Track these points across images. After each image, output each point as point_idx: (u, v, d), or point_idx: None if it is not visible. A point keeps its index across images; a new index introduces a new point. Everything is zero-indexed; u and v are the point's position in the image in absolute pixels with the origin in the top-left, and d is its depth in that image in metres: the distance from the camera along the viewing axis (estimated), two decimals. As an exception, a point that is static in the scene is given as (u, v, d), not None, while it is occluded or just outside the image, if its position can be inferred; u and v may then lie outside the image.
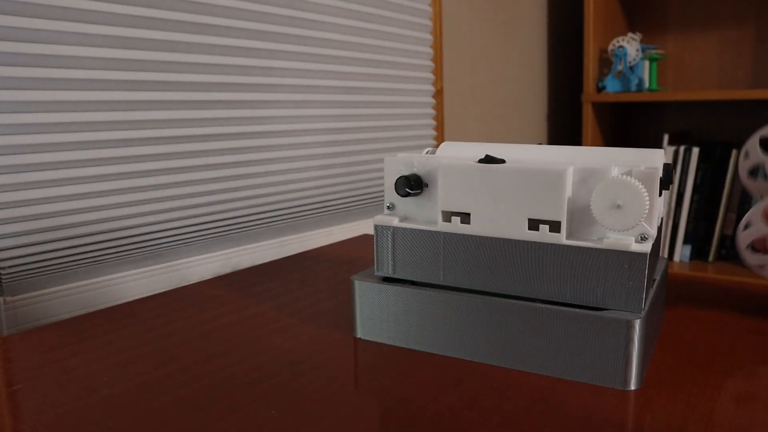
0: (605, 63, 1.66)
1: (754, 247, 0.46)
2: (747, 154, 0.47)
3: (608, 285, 0.38)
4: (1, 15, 0.59)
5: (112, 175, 0.69)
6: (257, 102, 0.84)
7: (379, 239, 0.45)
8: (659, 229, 0.42)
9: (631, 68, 1.60)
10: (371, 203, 1.06)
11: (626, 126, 1.86)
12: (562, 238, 0.38)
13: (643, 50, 1.62)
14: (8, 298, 0.63)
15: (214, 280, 0.63)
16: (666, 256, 1.57)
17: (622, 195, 0.36)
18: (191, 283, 0.62)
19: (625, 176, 0.36)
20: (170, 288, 0.69)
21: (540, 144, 0.45)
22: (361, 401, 0.37)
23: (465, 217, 0.41)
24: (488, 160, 0.40)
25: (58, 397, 0.38)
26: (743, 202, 1.50)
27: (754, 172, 0.47)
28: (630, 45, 1.57)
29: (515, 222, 0.39)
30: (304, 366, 0.42)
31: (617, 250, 0.37)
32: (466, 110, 1.33)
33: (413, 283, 0.44)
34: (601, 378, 0.38)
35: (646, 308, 0.38)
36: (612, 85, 1.60)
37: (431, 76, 1.17)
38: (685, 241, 1.54)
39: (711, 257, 1.53)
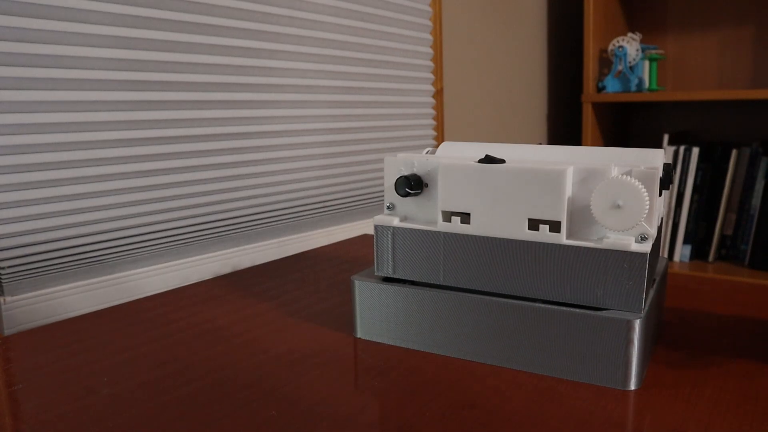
0: (605, 63, 1.66)
1: None
2: None
3: (608, 285, 0.38)
4: (1, 15, 0.59)
5: (112, 175, 0.69)
6: (257, 102, 0.84)
7: (379, 239, 0.45)
8: (659, 229, 0.42)
9: (631, 68, 1.60)
10: (371, 203, 1.06)
11: (626, 126, 1.86)
12: (562, 238, 0.38)
13: (643, 50, 1.62)
14: (8, 298, 0.63)
15: (214, 280, 0.63)
16: (666, 256, 1.57)
17: (622, 195, 0.36)
18: (191, 283, 0.62)
19: (625, 176, 0.36)
20: (169, 288, 0.69)
21: (540, 144, 0.45)
22: (361, 401, 0.37)
23: (465, 217, 0.41)
24: (488, 160, 0.40)
25: (58, 397, 0.38)
26: (743, 202, 1.50)
27: None
28: (630, 45, 1.57)
29: (515, 222, 0.39)
30: (304, 366, 0.42)
31: (617, 250, 0.37)
32: (466, 110, 1.33)
33: (413, 283, 0.44)
34: (601, 378, 0.38)
35: (646, 308, 0.38)
36: (612, 85, 1.60)
37: (431, 76, 1.17)
38: (685, 241, 1.54)
39: (711, 257, 1.53)
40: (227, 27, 0.79)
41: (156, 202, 0.74)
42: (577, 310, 0.38)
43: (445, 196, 0.41)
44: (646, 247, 0.36)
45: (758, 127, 1.66)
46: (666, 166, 0.40)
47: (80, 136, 0.66)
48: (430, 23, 1.15)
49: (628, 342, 0.37)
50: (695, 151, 1.51)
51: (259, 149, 0.85)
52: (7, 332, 0.63)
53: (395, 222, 0.44)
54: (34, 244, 0.64)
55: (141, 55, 0.70)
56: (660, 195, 0.39)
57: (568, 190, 0.38)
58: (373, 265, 0.46)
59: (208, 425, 0.34)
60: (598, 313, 0.37)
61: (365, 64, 1.01)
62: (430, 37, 1.16)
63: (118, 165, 0.69)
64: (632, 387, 0.37)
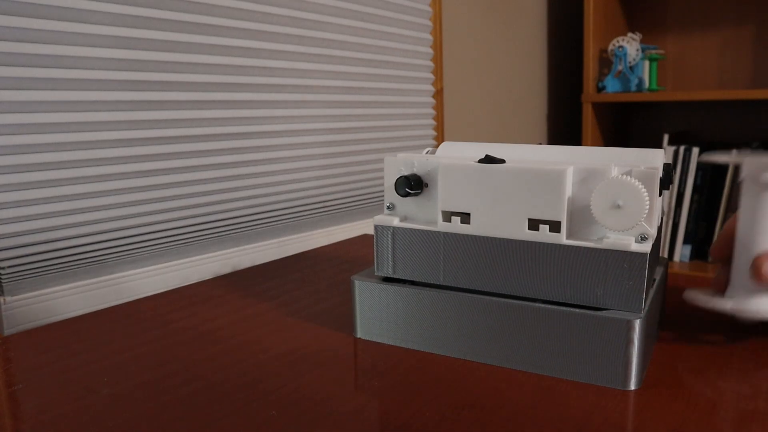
0: (605, 63, 1.66)
1: None
2: None
3: (608, 285, 0.38)
4: (1, 15, 0.59)
5: (112, 175, 0.69)
6: (257, 102, 0.84)
7: (379, 239, 0.45)
8: (659, 229, 0.42)
9: (631, 68, 1.60)
10: (371, 203, 1.06)
11: (626, 126, 1.86)
12: (562, 238, 0.38)
13: (643, 50, 1.62)
14: (8, 298, 0.63)
15: (214, 280, 0.63)
16: (666, 256, 1.57)
17: (622, 195, 0.36)
18: (191, 283, 0.62)
19: (625, 176, 0.36)
20: (170, 288, 0.69)
21: (540, 144, 0.45)
22: (361, 401, 0.37)
23: (465, 217, 0.41)
24: (488, 160, 0.40)
25: (58, 397, 0.38)
26: (743, 202, 1.50)
27: None
28: (630, 45, 1.57)
29: (515, 222, 0.39)
30: (304, 366, 0.42)
31: (617, 250, 0.37)
32: (466, 110, 1.33)
33: (413, 283, 0.44)
34: (601, 378, 0.38)
35: (646, 308, 0.38)
36: (612, 85, 1.60)
37: (431, 76, 1.17)
38: (685, 241, 1.54)
39: (711, 257, 1.53)
40: (227, 27, 0.79)
41: (156, 202, 0.74)
42: (577, 310, 0.38)
43: (445, 196, 0.41)
44: (646, 247, 0.36)
45: (758, 127, 1.66)
46: (666, 166, 0.40)
47: (80, 136, 0.66)
48: (430, 23, 1.15)
49: (628, 342, 0.37)
50: (695, 151, 1.51)
51: (259, 149, 0.85)
52: (7, 332, 0.63)
53: (395, 222, 0.44)
54: (34, 244, 0.64)
55: (141, 55, 0.70)
56: (660, 195, 0.39)
57: (568, 190, 0.38)
58: (373, 265, 0.46)
59: (208, 425, 0.34)
60: (598, 313, 0.37)
61: (365, 64, 1.01)
62: (430, 37, 1.16)
63: (118, 165, 0.69)
64: (632, 387, 0.37)
